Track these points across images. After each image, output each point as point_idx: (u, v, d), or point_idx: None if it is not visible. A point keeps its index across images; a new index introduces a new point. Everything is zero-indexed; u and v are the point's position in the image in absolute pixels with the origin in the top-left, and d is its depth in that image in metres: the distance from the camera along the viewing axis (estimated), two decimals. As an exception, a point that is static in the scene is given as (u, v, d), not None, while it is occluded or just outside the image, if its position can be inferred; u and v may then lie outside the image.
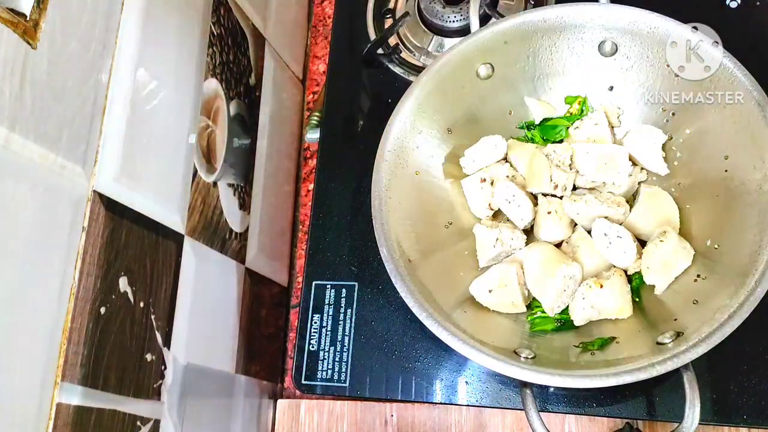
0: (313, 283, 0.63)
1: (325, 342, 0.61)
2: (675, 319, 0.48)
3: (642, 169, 0.57)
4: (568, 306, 0.53)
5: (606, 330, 0.51)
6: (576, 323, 0.52)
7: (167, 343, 0.52)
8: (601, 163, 0.55)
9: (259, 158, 0.71)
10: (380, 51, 0.71)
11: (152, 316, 0.50)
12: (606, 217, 0.53)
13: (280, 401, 0.66)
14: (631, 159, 0.55)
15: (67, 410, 0.40)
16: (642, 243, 0.54)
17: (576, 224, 0.56)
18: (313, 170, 0.77)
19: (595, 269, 0.53)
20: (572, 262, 0.52)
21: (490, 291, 0.53)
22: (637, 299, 0.52)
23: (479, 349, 0.45)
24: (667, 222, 0.53)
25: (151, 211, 0.50)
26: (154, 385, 0.50)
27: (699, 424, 0.43)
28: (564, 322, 0.53)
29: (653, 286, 0.51)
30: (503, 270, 0.53)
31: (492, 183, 0.57)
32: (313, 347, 0.61)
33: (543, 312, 0.53)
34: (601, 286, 0.50)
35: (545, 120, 0.59)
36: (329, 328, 0.61)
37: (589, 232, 0.54)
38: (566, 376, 0.44)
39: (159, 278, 0.51)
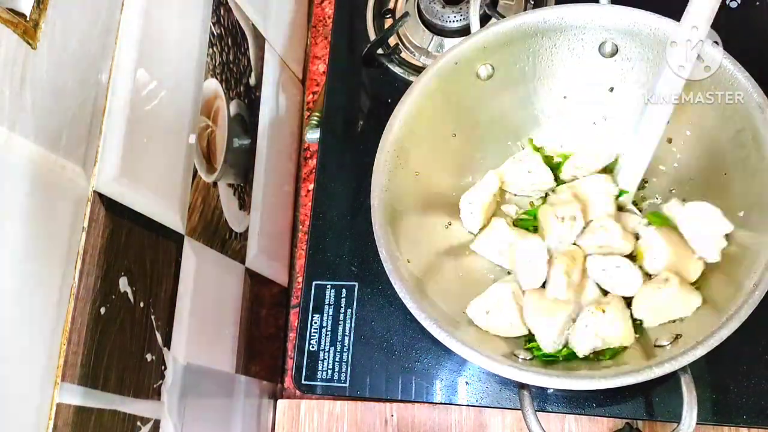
0: (313, 283, 0.63)
1: (325, 342, 0.61)
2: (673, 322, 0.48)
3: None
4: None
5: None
6: (579, 355, 0.49)
7: (167, 343, 0.52)
8: (614, 271, 0.51)
9: (259, 158, 0.71)
10: (380, 51, 0.71)
11: (152, 316, 0.50)
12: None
13: (280, 401, 0.66)
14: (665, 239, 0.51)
15: (67, 410, 0.40)
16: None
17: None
18: (313, 170, 0.77)
19: (594, 298, 0.51)
20: (571, 305, 0.50)
21: (487, 312, 0.51)
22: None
23: (477, 350, 0.45)
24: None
25: (151, 211, 0.50)
26: (154, 385, 0.50)
27: (699, 424, 0.43)
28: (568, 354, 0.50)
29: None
30: (500, 290, 0.52)
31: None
32: (313, 347, 0.61)
33: None
34: (603, 311, 0.48)
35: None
36: (329, 329, 0.61)
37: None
38: (564, 377, 0.44)
39: (159, 278, 0.51)
